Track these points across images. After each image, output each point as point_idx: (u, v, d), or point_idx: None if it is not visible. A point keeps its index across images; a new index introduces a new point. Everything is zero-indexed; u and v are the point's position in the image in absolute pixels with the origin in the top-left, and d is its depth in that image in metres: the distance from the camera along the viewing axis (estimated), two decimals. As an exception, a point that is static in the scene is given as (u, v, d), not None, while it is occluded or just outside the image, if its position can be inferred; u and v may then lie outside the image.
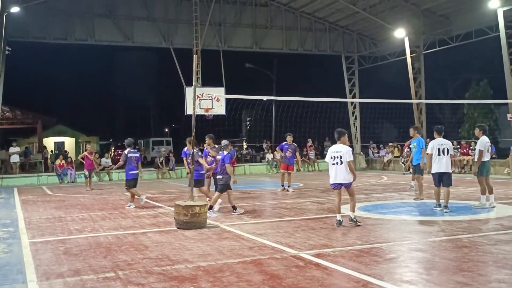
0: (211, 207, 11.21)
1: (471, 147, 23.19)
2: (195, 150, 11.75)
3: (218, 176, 11.51)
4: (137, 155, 13.71)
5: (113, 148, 43.94)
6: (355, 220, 9.50)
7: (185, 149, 14.15)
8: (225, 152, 11.42)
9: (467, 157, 23.16)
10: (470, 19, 23.66)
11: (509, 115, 21.27)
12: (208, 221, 9.91)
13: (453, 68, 33.00)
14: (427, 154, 11.30)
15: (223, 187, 11.45)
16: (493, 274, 5.98)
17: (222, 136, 37.07)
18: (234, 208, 11.60)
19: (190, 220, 9.43)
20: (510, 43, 21.16)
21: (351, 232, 8.85)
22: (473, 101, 25.74)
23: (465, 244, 7.63)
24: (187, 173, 15.54)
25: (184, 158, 15.18)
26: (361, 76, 31.57)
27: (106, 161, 25.98)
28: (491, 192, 11.48)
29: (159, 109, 66.30)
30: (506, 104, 22.35)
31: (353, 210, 9.60)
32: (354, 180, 9.55)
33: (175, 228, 9.60)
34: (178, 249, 7.77)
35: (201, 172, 12.74)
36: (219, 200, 11.82)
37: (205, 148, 13.09)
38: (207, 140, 13.16)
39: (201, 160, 12.60)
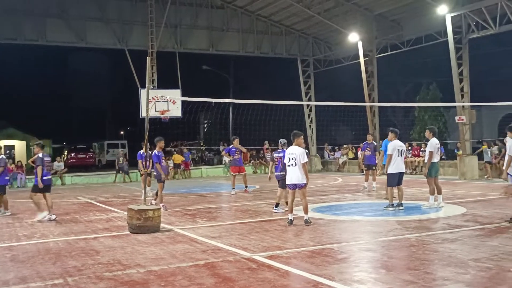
0: (277, 204, 11.85)
1: (421, 149, 23.86)
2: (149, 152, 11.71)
3: (279, 173, 11.75)
4: (49, 158, 12.89)
5: (66, 151, 42.89)
6: (308, 221, 9.66)
7: (141, 151, 13.99)
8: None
9: (418, 159, 23.83)
10: (420, 24, 24.34)
11: (457, 118, 21.98)
12: (162, 225, 9.83)
13: (404, 72, 33.94)
14: (388, 154, 11.68)
15: (284, 183, 11.63)
16: (439, 272, 6.18)
17: (180, 138, 37.04)
18: (276, 205, 11.95)
19: (144, 224, 9.33)
20: (458, 48, 21.88)
21: (304, 234, 8.97)
22: (424, 104, 26.49)
23: (413, 243, 7.85)
24: (141, 175, 15.42)
25: (140, 160, 15.05)
26: (316, 79, 31.99)
27: (58, 165, 25.32)
28: (439, 192, 11.89)
29: (115, 111, 65.21)
30: (455, 107, 23.10)
31: (306, 211, 9.76)
32: (307, 182, 9.73)
33: (128, 232, 9.48)
34: (130, 253, 7.68)
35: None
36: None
37: (155, 152, 12.92)
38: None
39: (157, 166, 12.58)
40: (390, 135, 12.03)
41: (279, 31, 30.04)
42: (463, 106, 21.63)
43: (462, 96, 21.96)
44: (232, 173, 17.57)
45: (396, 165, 11.60)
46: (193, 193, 18.15)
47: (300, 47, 30.89)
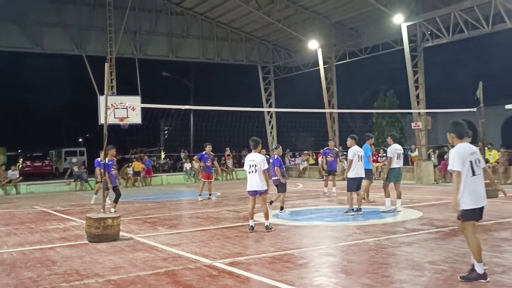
0: (282, 208, 12.48)
1: (379, 155, 24.33)
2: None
3: (274, 178, 12.43)
4: None
5: (22, 159, 41.69)
6: (269, 227, 9.71)
7: (99, 159, 13.79)
8: (275, 156, 12.80)
9: (377, 164, 24.25)
10: (377, 32, 24.91)
11: (413, 124, 22.55)
12: (121, 233, 9.69)
13: (363, 79, 34.59)
14: (349, 160, 11.86)
15: (280, 187, 12.57)
16: (396, 275, 6.32)
17: (140, 145, 36.57)
18: (281, 208, 12.55)
19: (102, 233, 9.17)
20: (413, 56, 22.49)
21: (265, 240, 9.00)
22: (381, 111, 27.09)
23: (371, 248, 8.00)
24: (97, 182, 15.21)
25: (97, 168, 14.82)
26: (277, 86, 32.26)
27: (13, 173, 24.56)
28: (399, 197, 12.16)
29: (73, 118, 63.78)
30: (411, 113, 23.69)
31: (267, 217, 9.81)
32: (267, 188, 9.79)
33: (87, 241, 9.30)
34: (88, 263, 7.53)
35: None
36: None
37: (107, 160, 12.77)
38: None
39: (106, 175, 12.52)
40: (349, 141, 12.20)
41: (239, 38, 30.17)
42: (419, 113, 22.22)
43: (418, 103, 22.57)
44: (202, 179, 17.57)
45: (356, 170, 11.78)
46: (154, 201, 17.95)
47: (260, 54, 31.10)
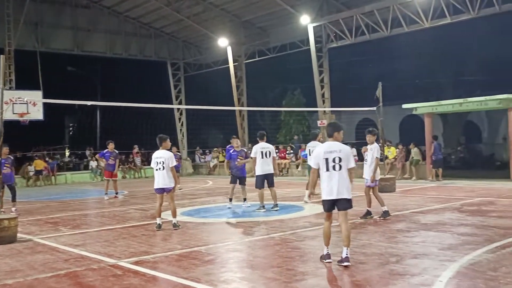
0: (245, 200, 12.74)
1: (287, 152, 24.98)
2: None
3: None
4: None
5: None
6: (177, 225, 9.66)
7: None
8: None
9: (284, 161, 24.87)
10: (285, 32, 25.53)
11: (319, 122, 23.36)
12: (19, 235, 9.20)
13: (272, 78, 35.16)
14: (251, 157, 11.98)
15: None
16: (299, 268, 6.52)
17: (43, 142, 34.69)
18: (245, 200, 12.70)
19: (-2, 235, 8.66)
20: (319, 56, 23.31)
21: (172, 237, 8.95)
22: (289, 109, 27.83)
23: (277, 242, 8.21)
24: None
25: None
26: (187, 83, 32.05)
27: None
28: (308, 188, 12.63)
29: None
30: (317, 111, 24.53)
31: (174, 215, 9.75)
32: (175, 186, 9.74)
33: (-20, 245, 8.73)
34: (-18, 267, 7.08)
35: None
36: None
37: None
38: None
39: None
40: (259, 138, 12.29)
41: (148, 33, 29.65)
42: (324, 111, 23.05)
43: (324, 102, 23.42)
44: (105, 177, 17.09)
45: (261, 167, 11.89)
46: (57, 200, 17.20)
47: (170, 50, 30.75)
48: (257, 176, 11.94)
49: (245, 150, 13.66)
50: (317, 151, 6.70)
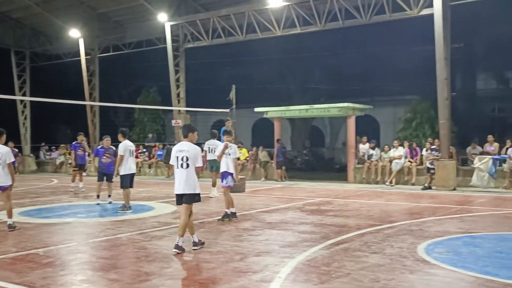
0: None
1: (139, 151, 24.51)
2: None
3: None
4: None
5: None
6: (13, 225, 8.97)
7: None
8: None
9: (137, 160, 24.34)
10: (142, 29, 24.98)
11: (173, 121, 23.28)
12: None
13: (128, 74, 34.23)
14: (120, 155, 11.45)
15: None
16: (144, 268, 6.43)
17: None
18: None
19: None
20: (176, 55, 23.24)
21: (8, 239, 8.30)
22: (144, 106, 27.31)
23: (123, 242, 8.02)
24: None
25: None
26: (34, 74, 29.84)
27: None
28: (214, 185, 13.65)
29: None
30: (172, 110, 24.41)
31: (10, 215, 9.04)
32: (12, 184, 9.03)
33: None
34: None
35: None
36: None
37: None
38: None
39: None
40: (119, 136, 11.79)
41: (-10, 16, 27.08)
42: (179, 111, 23.04)
43: (179, 101, 23.41)
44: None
45: (129, 166, 11.52)
46: None
47: (15, 37, 28.40)
48: (123, 175, 11.51)
49: (114, 148, 13.05)
50: (173, 150, 7.44)
